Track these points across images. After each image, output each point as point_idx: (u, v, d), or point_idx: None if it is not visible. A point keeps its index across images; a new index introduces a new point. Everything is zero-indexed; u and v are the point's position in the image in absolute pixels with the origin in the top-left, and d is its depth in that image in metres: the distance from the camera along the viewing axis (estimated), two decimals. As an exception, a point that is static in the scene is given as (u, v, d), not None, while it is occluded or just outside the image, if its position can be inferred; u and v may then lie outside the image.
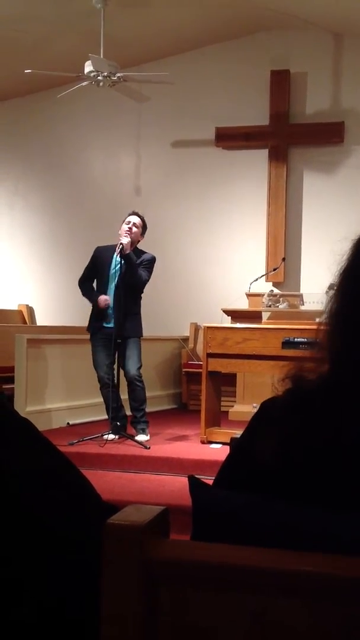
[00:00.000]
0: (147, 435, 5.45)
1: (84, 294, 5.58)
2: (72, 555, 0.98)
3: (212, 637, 0.82)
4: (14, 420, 1.07)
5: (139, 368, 5.44)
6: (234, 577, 0.81)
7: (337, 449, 0.90)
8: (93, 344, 5.48)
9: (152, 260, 5.49)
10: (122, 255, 5.27)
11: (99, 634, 0.84)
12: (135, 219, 5.44)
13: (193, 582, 0.82)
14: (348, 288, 0.98)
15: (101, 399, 5.57)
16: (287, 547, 0.82)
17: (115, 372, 5.46)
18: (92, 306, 5.52)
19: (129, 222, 5.42)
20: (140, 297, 5.56)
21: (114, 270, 5.39)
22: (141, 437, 5.38)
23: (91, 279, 5.58)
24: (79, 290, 5.64)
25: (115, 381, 5.46)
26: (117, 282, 5.33)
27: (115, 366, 5.45)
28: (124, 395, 5.59)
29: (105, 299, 5.36)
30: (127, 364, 5.42)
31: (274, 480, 0.92)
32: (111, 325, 5.39)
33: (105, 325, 5.43)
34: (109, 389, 5.35)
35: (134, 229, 5.40)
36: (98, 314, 5.45)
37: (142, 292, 5.53)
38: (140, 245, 5.54)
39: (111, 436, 5.32)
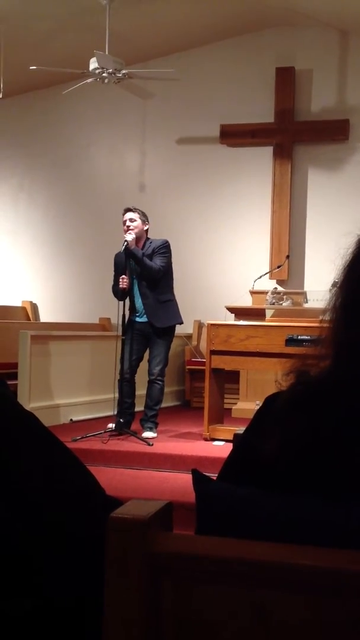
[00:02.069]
0: (154, 432, 5.45)
1: (116, 297, 5.50)
2: (76, 548, 0.98)
3: (214, 630, 0.82)
4: (17, 413, 1.07)
5: (163, 367, 5.47)
6: (237, 570, 0.81)
7: (341, 443, 0.90)
8: (124, 338, 5.45)
9: (164, 245, 5.46)
10: (127, 252, 5.29)
11: (101, 626, 0.84)
12: (130, 215, 5.44)
13: (196, 576, 0.82)
14: (351, 283, 0.98)
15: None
16: (290, 542, 0.82)
17: (132, 367, 5.45)
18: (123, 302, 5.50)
19: (125, 221, 5.44)
20: (170, 284, 5.54)
21: (133, 268, 5.41)
22: (147, 434, 5.38)
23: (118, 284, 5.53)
24: (114, 298, 5.55)
25: (132, 377, 5.46)
26: (137, 277, 5.38)
27: (127, 361, 5.42)
28: (140, 391, 5.59)
29: (123, 279, 5.32)
30: (151, 361, 5.46)
31: (277, 474, 0.93)
32: (142, 319, 5.41)
33: (136, 320, 5.44)
34: (122, 383, 5.38)
35: (135, 224, 5.40)
36: (130, 308, 5.43)
37: (164, 278, 5.46)
38: (148, 234, 5.53)
39: (111, 425, 5.33)
